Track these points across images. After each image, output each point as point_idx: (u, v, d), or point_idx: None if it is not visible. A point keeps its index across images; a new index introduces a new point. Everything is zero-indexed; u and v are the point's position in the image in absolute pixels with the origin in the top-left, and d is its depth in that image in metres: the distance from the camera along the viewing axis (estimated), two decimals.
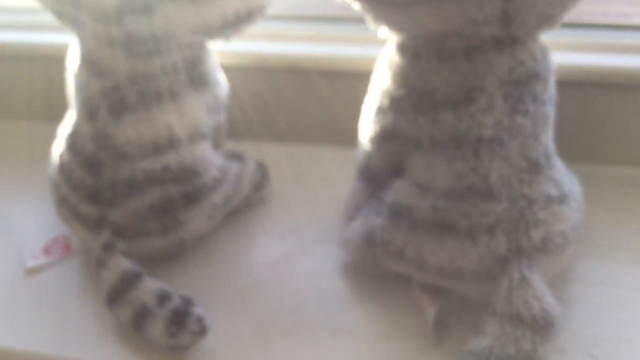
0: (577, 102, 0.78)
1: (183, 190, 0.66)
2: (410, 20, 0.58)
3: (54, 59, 0.82)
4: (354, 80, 0.74)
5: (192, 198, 0.67)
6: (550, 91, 0.62)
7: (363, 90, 0.68)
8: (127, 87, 0.64)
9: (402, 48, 0.62)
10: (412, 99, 0.61)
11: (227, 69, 0.76)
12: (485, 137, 0.58)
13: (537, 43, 0.61)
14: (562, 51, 0.76)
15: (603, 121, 0.80)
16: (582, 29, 0.81)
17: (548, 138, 0.61)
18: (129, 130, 0.64)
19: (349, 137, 0.73)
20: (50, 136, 0.73)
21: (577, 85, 0.77)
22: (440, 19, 0.56)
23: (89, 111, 0.65)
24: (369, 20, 0.62)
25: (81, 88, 0.66)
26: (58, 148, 0.70)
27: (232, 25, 0.66)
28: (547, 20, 0.58)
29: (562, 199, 0.59)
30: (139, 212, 0.65)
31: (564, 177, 0.61)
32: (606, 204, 0.76)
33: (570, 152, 0.68)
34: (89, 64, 0.65)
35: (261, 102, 0.90)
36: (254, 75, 0.88)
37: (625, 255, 0.69)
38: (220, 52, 0.74)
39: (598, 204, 0.73)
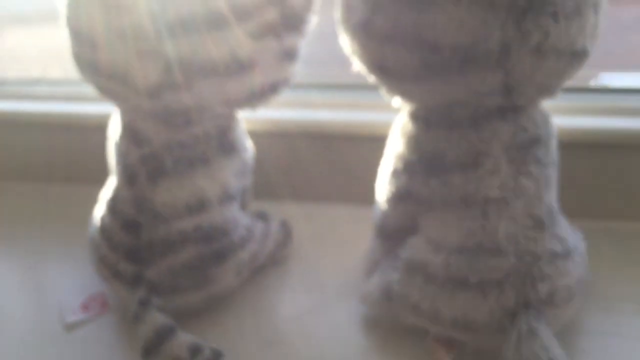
0: (582, 162, 0.83)
1: (213, 248, 0.71)
2: (420, 93, 0.64)
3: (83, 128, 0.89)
4: (370, 144, 0.79)
5: (222, 256, 0.72)
6: (552, 154, 0.66)
7: (379, 154, 0.73)
8: (164, 154, 0.70)
9: (414, 116, 0.68)
10: (424, 163, 0.66)
11: (252, 134, 0.82)
12: (493, 198, 0.62)
13: (539, 110, 0.66)
14: (563, 115, 0.82)
15: (607, 179, 0.84)
16: (580, 94, 0.87)
17: (551, 197, 0.66)
18: (165, 194, 0.70)
19: (366, 197, 0.78)
20: (84, 199, 0.80)
21: (579, 146, 0.82)
22: (447, 92, 0.61)
23: (128, 177, 0.71)
24: (383, 90, 0.68)
25: (122, 156, 0.72)
26: (99, 211, 0.76)
27: (258, 97, 0.72)
28: (546, 90, 0.63)
29: (566, 254, 0.63)
30: (173, 270, 0.70)
31: (568, 234, 0.66)
32: (612, 257, 0.79)
33: (575, 208, 0.72)
34: (130, 133, 0.72)
35: (283, 165, 0.95)
36: (276, 140, 0.94)
37: (632, 307, 0.72)
38: (247, 119, 0.80)
39: (604, 257, 0.77)
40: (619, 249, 0.81)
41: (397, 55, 0.60)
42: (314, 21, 0.72)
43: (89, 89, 0.74)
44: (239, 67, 0.67)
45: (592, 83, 0.92)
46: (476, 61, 0.58)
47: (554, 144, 0.67)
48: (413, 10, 0.58)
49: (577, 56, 0.61)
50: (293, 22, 0.70)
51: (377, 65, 0.63)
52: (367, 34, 0.62)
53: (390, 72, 0.63)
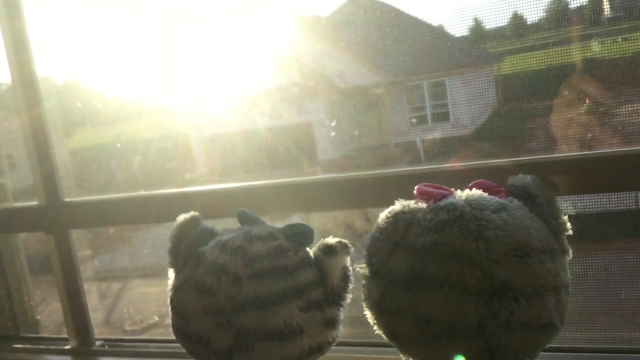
0: None
1: None
2: (422, 355, 0.83)
3: None
4: None
5: None
6: None
7: None
8: None
9: None
10: None
11: None
12: None
13: None
14: None
15: None
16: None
17: None
18: None
19: None
20: None
21: None
22: (442, 354, 0.79)
23: None
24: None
25: None
26: None
27: (307, 355, 0.92)
28: (524, 354, 0.80)
29: None
30: None
31: None
32: None
33: None
34: None
35: None
36: None
37: None
38: None
39: None
40: None
41: (402, 327, 0.81)
42: (350, 297, 0.94)
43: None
44: (291, 333, 0.88)
45: None
46: (459, 332, 0.77)
47: None
48: (410, 294, 0.79)
49: (545, 328, 0.78)
50: (333, 298, 0.92)
51: (388, 333, 0.84)
52: (380, 311, 0.83)
53: (398, 338, 0.83)
